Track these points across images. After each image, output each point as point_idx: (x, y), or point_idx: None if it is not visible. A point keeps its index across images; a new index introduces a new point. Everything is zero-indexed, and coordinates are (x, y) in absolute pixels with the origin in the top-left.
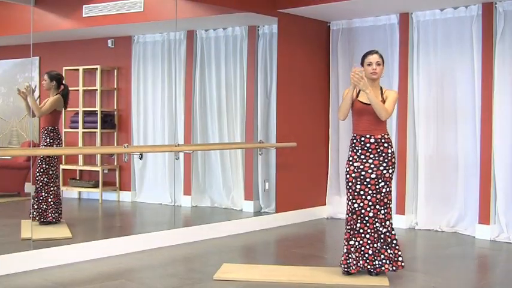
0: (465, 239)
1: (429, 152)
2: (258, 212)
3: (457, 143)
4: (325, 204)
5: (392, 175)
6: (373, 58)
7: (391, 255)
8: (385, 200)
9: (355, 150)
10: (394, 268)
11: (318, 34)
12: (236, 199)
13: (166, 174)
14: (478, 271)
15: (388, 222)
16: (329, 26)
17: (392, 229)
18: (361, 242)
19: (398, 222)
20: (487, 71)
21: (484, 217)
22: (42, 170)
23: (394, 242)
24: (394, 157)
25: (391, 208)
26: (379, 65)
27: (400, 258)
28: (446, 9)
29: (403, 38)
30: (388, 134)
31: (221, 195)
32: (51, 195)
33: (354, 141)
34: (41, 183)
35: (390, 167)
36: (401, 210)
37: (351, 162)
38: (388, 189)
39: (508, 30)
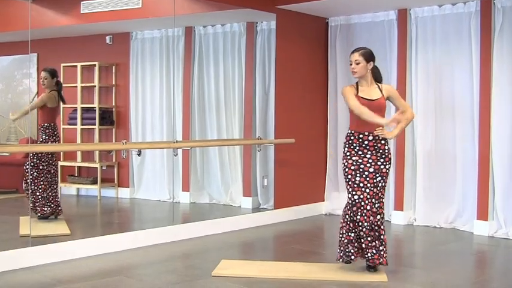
0: (463, 235)
1: (427, 148)
2: (256, 209)
3: (455, 139)
4: (324, 201)
5: (389, 171)
6: (352, 57)
7: (379, 248)
8: (380, 194)
9: (352, 147)
10: (379, 261)
11: (316, 30)
12: (234, 195)
13: (165, 171)
14: (477, 267)
15: (379, 216)
16: (327, 22)
17: (382, 223)
18: (359, 234)
19: (397, 218)
20: (486, 67)
21: (482, 213)
22: (32, 164)
23: (382, 237)
24: (390, 153)
25: (383, 203)
26: (358, 63)
27: (385, 255)
28: (445, 5)
29: (402, 34)
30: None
31: (220, 191)
32: (40, 189)
33: (352, 138)
34: (30, 177)
35: (387, 163)
36: (399, 207)
37: (348, 157)
38: (384, 184)
39: (507, 26)
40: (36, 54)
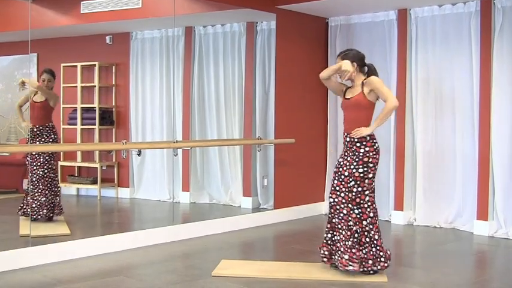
0: (463, 235)
1: (427, 148)
2: (256, 209)
3: (455, 139)
4: (324, 201)
5: (363, 175)
6: (337, 62)
7: (365, 255)
8: (358, 200)
9: (344, 145)
10: (375, 268)
11: (316, 30)
12: (234, 195)
13: (165, 171)
14: (476, 267)
15: (365, 222)
16: (327, 22)
17: (371, 229)
18: (338, 237)
19: (397, 218)
20: (485, 67)
21: (482, 213)
22: (50, 167)
23: (375, 241)
24: (367, 156)
25: (367, 208)
26: None
27: (382, 259)
28: (445, 5)
29: (402, 34)
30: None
31: (219, 191)
32: (56, 188)
33: (343, 136)
34: (48, 179)
35: (360, 167)
36: (399, 207)
37: (339, 157)
38: (359, 189)
39: (507, 26)
40: (36, 54)
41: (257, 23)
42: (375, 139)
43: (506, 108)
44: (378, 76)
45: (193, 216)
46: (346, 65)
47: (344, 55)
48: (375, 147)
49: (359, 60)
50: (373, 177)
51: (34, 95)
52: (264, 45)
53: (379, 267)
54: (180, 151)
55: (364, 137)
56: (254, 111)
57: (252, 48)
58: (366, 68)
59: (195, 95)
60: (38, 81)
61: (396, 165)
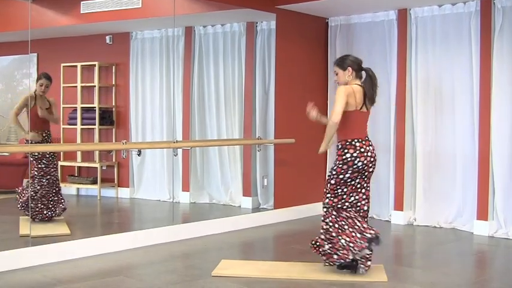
0: (463, 235)
1: (427, 148)
2: (256, 208)
3: (455, 139)
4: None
5: (328, 178)
6: (334, 69)
7: (330, 250)
8: (323, 200)
9: None
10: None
11: (316, 30)
12: (234, 195)
13: (165, 171)
14: (476, 267)
15: (329, 219)
16: (327, 22)
17: (339, 227)
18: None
19: (397, 218)
20: (485, 67)
21: (482, 213)
22: (56, 167)
23: (341, 235)
24: (334, 164)
25: (328, 209)
26: (336, 74)
27: (335, 256)
28: (445, 5)
29: (402, 34)
30: (344, 141)
31: (219, 191)
32: (52, 193)
33: None
34: (54, 178)
35: (329, 170)
36: (399, 207)
37: None
38: (324, 190)
39: (507, 26)
40: (36, 54)
41: (257, 23)
42: (346, 148)
43: (506, 108)
44: (375, 80)
45: (193, 216)
46: (311, 115)
47: (340, 61)
48: (344, 156)
49: (356, 65)
50: (336, 184)
51: (35, 101)
52: (264, 45)
53: (350, 257)
54: (180, 151)
55: (337, 145)
56: (254, 111)
57: (252, 48)
58: (364, 73)
59: (195, 95)
60: (36, 85)
61: (396, 165)
